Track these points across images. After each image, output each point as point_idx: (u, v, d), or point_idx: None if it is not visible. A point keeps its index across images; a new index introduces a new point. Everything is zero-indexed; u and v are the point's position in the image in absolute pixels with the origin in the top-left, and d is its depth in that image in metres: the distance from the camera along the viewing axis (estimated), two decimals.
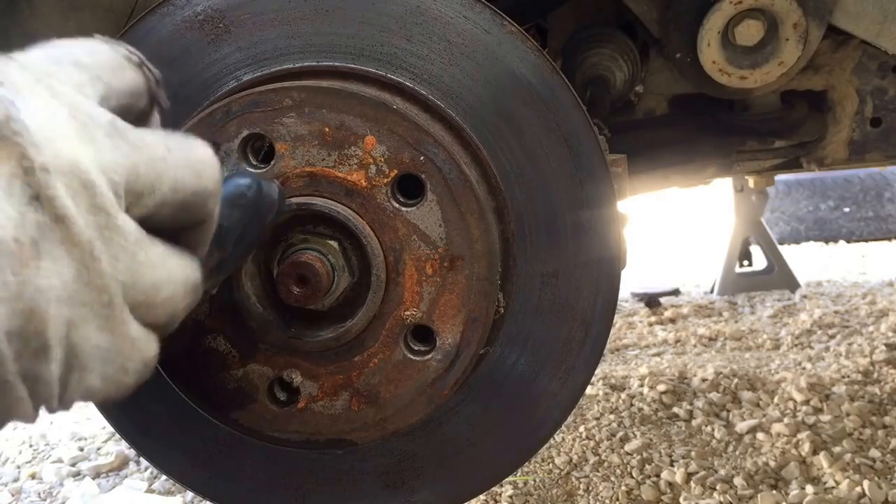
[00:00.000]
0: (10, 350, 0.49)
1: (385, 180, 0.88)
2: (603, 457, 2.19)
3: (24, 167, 0.50)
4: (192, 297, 0.65)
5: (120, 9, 1.19)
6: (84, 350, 0.54)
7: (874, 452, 2.10)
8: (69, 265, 0.52)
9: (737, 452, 2.18)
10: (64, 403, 0.55)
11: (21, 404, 0.51)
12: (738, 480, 1.99)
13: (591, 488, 2.03)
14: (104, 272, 0.54)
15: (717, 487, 1.96)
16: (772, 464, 2.07)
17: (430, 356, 0.90)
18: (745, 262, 4.71)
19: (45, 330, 0.50)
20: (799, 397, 2.47)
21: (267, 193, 0.76)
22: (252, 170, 0.89)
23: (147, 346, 0.60)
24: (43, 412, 0.54)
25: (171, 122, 0.95)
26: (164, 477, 2.29)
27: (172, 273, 0.62)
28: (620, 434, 2.32)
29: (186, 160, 0.63)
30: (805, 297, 4.32)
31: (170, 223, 0.63)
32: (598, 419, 2.46)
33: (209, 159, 0.66)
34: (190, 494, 2.15)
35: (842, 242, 6.84)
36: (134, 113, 0.68)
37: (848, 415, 2.33)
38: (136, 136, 0.60)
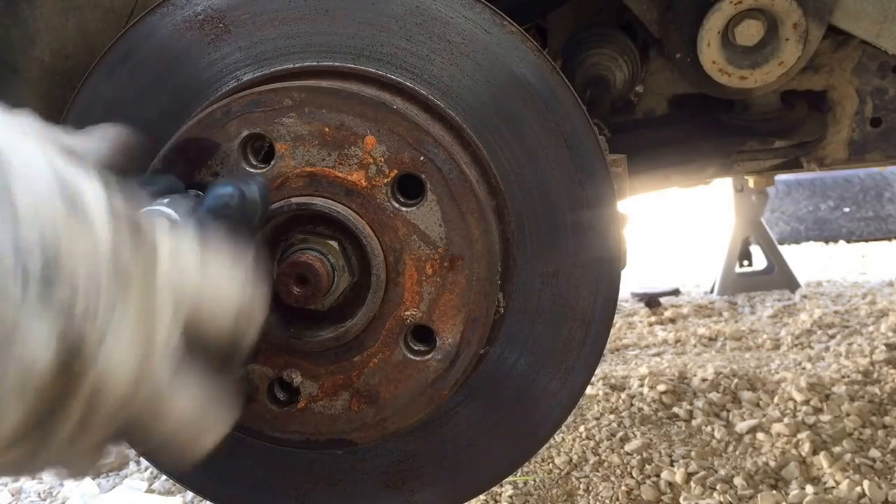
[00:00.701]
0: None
1: (385, 180, 0.88)
2: (603, 457, 2.19)
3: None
4: (220, 433, 0.70)
5: (120, 9, 1.19)
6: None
7: (874, 452, 2.10)
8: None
9: (737, 452, 2.18)
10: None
11: None
12: (738, 480, 1.99)
13: (591, 488, 2.03)
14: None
15: (717, 487, 1.96)
16: (772, 464, 2.07)
17: (430, 356, 0.90)
18: (745, 262, 4.70)
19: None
20: (799, 397, 2.47)
21: (250, 198, 0.77)
22: (251, 169, 0.89)
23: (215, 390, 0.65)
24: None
25: (172, 121, 0.95)
26: (164, 477, 2.29)
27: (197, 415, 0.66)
28: (620, 434, 2.32)
29: (241, 301, 0.68)
30: (805, 297, 4.32)
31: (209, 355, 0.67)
32: (598, 419, 2.46)
33: (262, 301, 0.71)
34: (190, 494, 2.15)
35: (842, 242, 6.83)
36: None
37: (848, 415, 2.33)
38: (197, 265, 0.65)
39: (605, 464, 2.15)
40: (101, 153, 0.71)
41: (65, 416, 0.52)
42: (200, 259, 0.65)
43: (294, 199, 0.88)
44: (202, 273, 0.64)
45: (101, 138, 0.73)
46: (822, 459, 2.04)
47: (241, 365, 0.72)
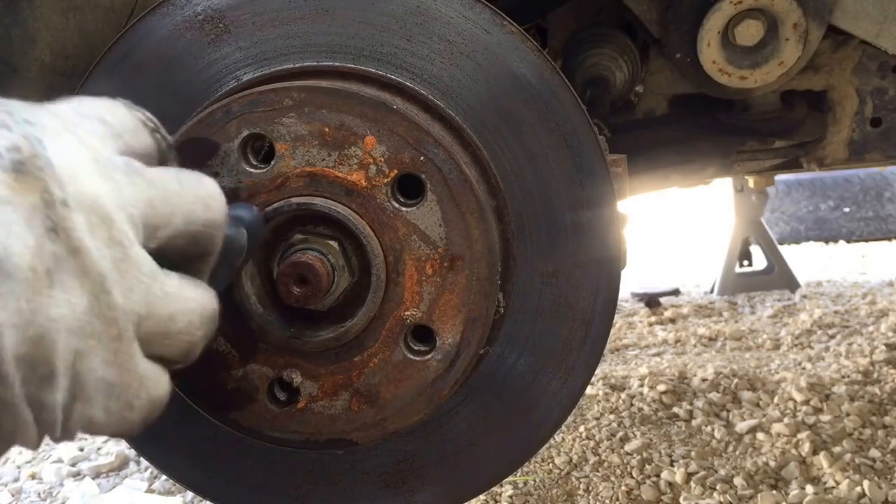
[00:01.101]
0: (18, 375, 0.50)
1: (385, 180, 0.88)
2: (603, 457, 2.19)
3: (46, 200, 0.52)
4: (210, 326, 0.67)
5: (120, 9, 1.19)
6: (89, 381, 0.55)
7: (874, 452, 2.10)
8: (81, 296, 0.53)
9: (737, 452, 2.18)
10: (67, 432, 0.56)
11: (26, 429, 0.52)
12: (738, 480, 1.99)
13: (591, 488, 2.03)
14: (116, 305, 0.55)
15: (717, 487, 1.96)
16: (772, 464, 2.07)
17: (430, 356, 0.90)
18: (745, 262, 4.71)
19: (53, 358, 0.51)
20: (799, 397, 2.47)
21: (235, 239, 0.74)
22: (251, 169, 0.89)
23: (157, 383, 0.61)
24: (46, 440, 0.55)
25: (172, 122, 0.95)
26: (164, 477, 2.29)
27: (188, 304, 0.63)
28: (620, 434, 2.32)
29: (197, 194, 0.66)
30: (805, 297, 4.32)
31: (180, 255, 0.65)
32: (598, 419, 2.46)
33: (217, 193, 0.69)
34: (190, 494, 2.15)
35: (842, 242, 6.83)
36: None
37: (848, 415, 2.33)
38: (151, 174, 0.63)
39: (605, 464, 2.15)
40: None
41: (68, 224, 0.53)
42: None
43: (294, 199, 0.88)
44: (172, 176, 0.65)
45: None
46: (822, 459, 2.04)
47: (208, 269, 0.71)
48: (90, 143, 0.60)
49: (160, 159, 0.72)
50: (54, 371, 0.52)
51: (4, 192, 0.50)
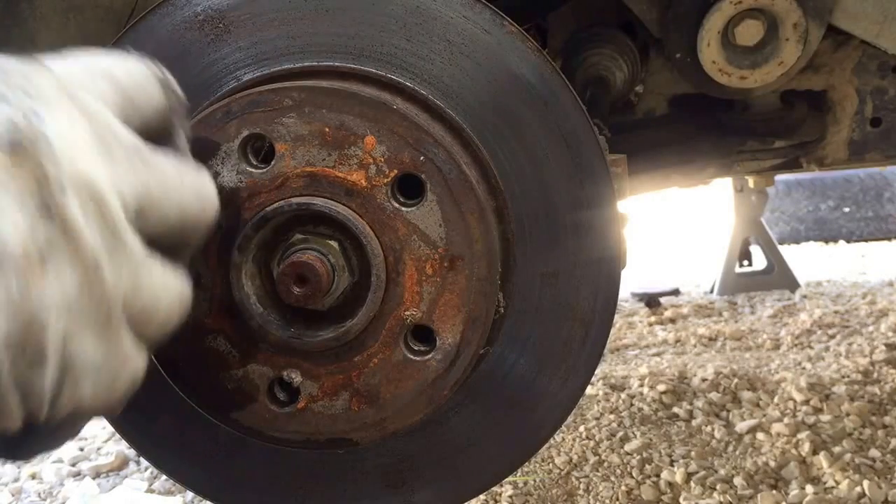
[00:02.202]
0: (7, 358, 0.49)
1: (385, 180, 0.88)
2: (603, 457, 2.19)
3: (40, 179, 0.51)
4: (185, 312, 0.67)
5: (120, 9, 1.19)
6: (79, 361, 0.54)
7: (874, 452, 2.10)
8: (73, 279, 0.53)
9: (737, 452, 2.18)
10: (53, 415, 0.55)
11: (9, 412, 0.51)
12: (738, 480, 1.99)
13: (591, 488, 2.03)
14: (106, 287, 0.55)
15: (717, 487, 1.96)
16: (772, 464, 2.07)
17: (430, 356, 0.90)
18: (745, 262, 4.71)
19: (43, 340, 0.51)
20: (799, 397, 2.47)
21: None
22: (251, 169, 0.89)
23: (137, 361, 0.61)
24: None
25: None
26: (164, 477, 2.29)
27: (170, 290, 0.64)
28: (620, 434, 2.32)
29: (196, 192, 0.66)
30: (805, 297, 4.32)
31: (166, 244, 0.65)
32: (598, 419, 2.46)
33: (213, 194, 0.69)
34: (190, 494, 2.15)
35: (842, 242, 6.83)
36: (156, 130, 0.70)
37: (848, 415, 2.33)
38: (154, 161, 0.62)
39: (605, 464, 2.15)
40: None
41: (62, 206, 0.52)
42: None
43: (294, 199, 0.88)
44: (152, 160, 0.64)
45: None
46: (822, 459, 2.04)
47: (188, 257, 0.71)
48: (94, 113, 0.58)
49: (171, 120, 0.71)
50: (44, 354, 0.51)
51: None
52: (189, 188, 0.65)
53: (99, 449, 2.60)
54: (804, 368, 2.87)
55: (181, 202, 0.64)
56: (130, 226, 0.58)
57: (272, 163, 0.89)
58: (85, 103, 0.58)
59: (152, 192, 0.61)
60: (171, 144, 0.73)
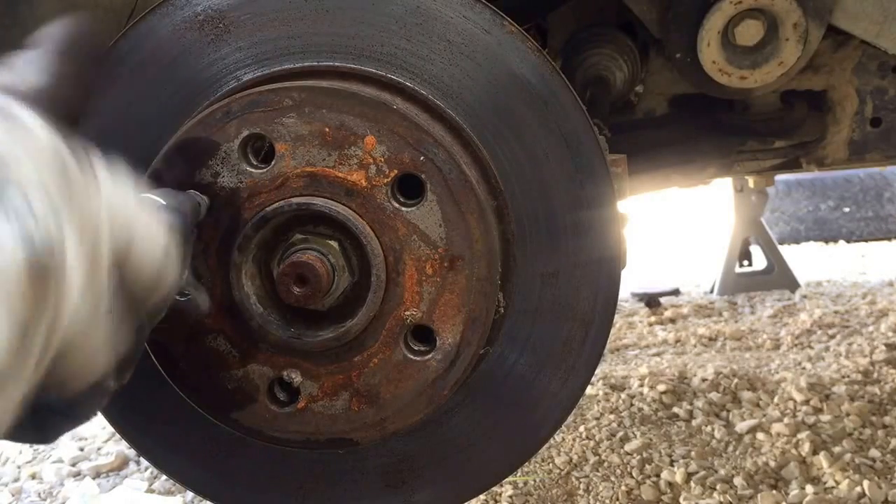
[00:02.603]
0: None
1: (385, 180, 0.88)
2: (603, 457, 2.19)
3: (50, 319, 0.51)
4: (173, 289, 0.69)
5: (120, 9, 1.19)
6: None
7: (874, 452, 2.10)
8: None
9: (737, 452, 2.18)
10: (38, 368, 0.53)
11: None
12: (738, 480, 1.99)
13: (591, 488, 2.03)
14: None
15: (717, 487, 1.96)
16: (772, 464, 2.07)
17: (430, 356, 0.90)
18: (745, 262, 4.70)
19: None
20: (799, 397, 2.47)
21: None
22: (251, 169, 0.89)
23: (121, 334, 0.62)
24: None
25: (172, 121, 0.95)
26: (164, 477, 2.29)
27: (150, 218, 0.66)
28: (620, 434, 2.32)
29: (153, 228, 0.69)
30: (805, 297, 4.32)
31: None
32: (598, 419, 2.46)
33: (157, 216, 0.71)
34: (190, 494, 2.15)
35: (842, 242, 6.83)
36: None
37: (848, 415, 2.33)
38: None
39: (605, 464, 2.15)
40: (42, 85, 0.65)
41: (34, 336, 0.50)
42: (135, 200, 0.67)
43: (294, 199, 0.88)
44: (136, 209, 0.65)
45: (39, 69, 0.66)
46: (822, 459, 2.04)
47: (148, 317, 0.71)
48: (94, 267, 0.58)
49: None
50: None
51: None
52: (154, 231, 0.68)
53: (99, 449, 2.60)
54: (804, 368, 2.87)
55: (148, 248, 0.66)
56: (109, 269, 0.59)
57: (272, 163, 0.89)
58: (98, 245, 0.58)
59: (122, 232, 0.62)
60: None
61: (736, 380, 2.66)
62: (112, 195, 0.61)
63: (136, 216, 0.65)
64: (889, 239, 6.78)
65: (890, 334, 3.30)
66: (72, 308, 0.54)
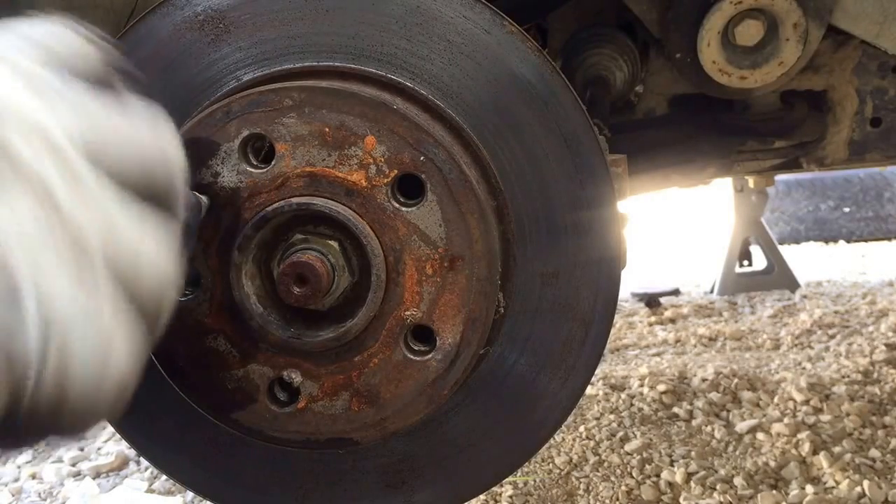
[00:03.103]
0: None
1: (385, 180, 0.88)
2: (603, 457, 2.19)
3: None
4: (177, 282, 0.63)
5: (120, 9, 1.19)
6: (58, 305, 0.50)
7: (874, 452, 2.10)
8: (26, 206, 0.50)
9: (737, 452, 2.18)
10: (42, 386, 0.50)
11: None
12: (738, 480, 1.99)
13: (591, 488, 2.03)
14: (65, 216, 0.52)
15: (717, 487, 1.96)
16: (772, 464, 2.07)
17: (430, 356, 0.90)
18: (745, 262, 4.71)
19: (9, 266, 0.48)
20: (799, 397, 2.47)
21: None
22: (251, 169, 0.89)
23: (131, 337, 0.56)
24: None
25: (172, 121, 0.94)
26: (164, 477, 2.29)
27: (156, 246, 0.60)
28: (620, 434, 2.32)
29: (154, 139, 0.64)
30: (805, 297, 4.32)
31: (140, 197, 0.61)
32: (598, 419, 2.46)
33: (174, 143, 0.66)
34: (190, 494, 2.15)
35: (842, 242, 6.83)
36: (98, 84, 0.66)
37: (848, 415, 2.33)
38: (96, 106, 0.60)
39: (605, 464, 2.15)
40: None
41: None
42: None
43: (294, 199, 0.88)
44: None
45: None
46: (822, 459, 2.04)
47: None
48: (26, 69, 0.57)
49: (110, 73, 0.68)
50: (17, 287, 0.48)
51: None
52: (144, 134, 0.63)
53: (99, 449, 2.60)
54: (804, 368, 2.87)
55: (137, 146, 0.61)
56: (85, 161, 0.56)
57: (272, 163, 0.89)
58: (17, 62, 0.57)
59: (100, 132, 0.58)
60: (115, 96, 0.68)
61: (736, 380, 2.66)
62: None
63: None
64: (889, 239, 6.78)
65: (890, 334, 3.30)
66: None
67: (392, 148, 0.87)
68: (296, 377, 0.92)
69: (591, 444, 2.27)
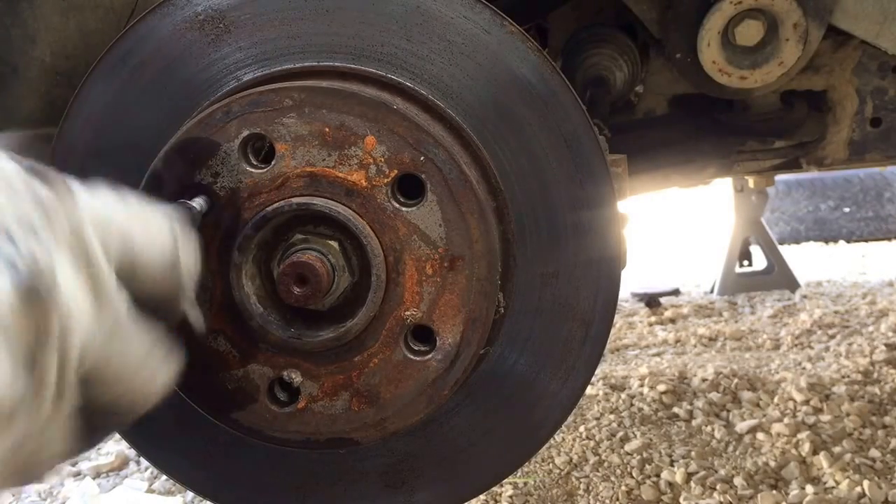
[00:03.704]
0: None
1: (385, 180, 0.88)
2: (603, 457, 2.19)
3: (39, 336, 0.51)
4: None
5: (120, 9, 1.19)
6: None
7: (874, 452, 2.10)
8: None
9: (737, 452, 2.18)
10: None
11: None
12: (738, 480, 1.99)
13: (591, 488, 2.03)
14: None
15: (717, 487, 1.96)
16: (772, 464, 2.07)
17: (430, 356, 0.90)
18: (745, 262, 4.71)
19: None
20: (799, 397, 2.47)
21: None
22: (252, 169, 0.89)
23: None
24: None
25: (172, 121, 0.95)
26: (164, 477, 2.29)
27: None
28: (620, 434, 2.32)
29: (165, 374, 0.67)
30: (805, 297, 4.32)
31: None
32: (598, 419, 2.46)
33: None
34: (190, 494, 2.15)
35: (842, 242, 6.83)
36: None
37: (848, 415, 2.33)
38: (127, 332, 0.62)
39: (605, 464, 2.15)
40: None
41: (45, 362, 0.50)
42: (124, 205, 0.65)
43: (294, 199, 0.88)
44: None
45: None
46: (822, 459, 2.04)
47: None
48: (94, 271, 0.58)
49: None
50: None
51: None
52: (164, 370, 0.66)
53: (99, 449, 2.60)
54: (804, 368, 2.87)
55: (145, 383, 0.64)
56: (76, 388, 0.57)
57: (272, 163, 0.89)
58: (90, 255, 0.58)
59: (111, 360, 0.60)
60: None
61: (736, 380, 2.66)
62: (96, 207, 0.61)
63: (130, 225, 0.65)
64: (889, 239, 6.78)
65: (890, 334, 3.30)
66: (84, 325, 0.54)
67: (392, 148, 0.87)
68: (296, 377, 0.92)
69: (591, 444, 2.27)
